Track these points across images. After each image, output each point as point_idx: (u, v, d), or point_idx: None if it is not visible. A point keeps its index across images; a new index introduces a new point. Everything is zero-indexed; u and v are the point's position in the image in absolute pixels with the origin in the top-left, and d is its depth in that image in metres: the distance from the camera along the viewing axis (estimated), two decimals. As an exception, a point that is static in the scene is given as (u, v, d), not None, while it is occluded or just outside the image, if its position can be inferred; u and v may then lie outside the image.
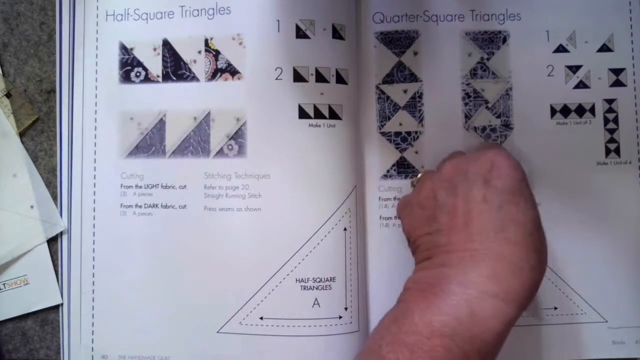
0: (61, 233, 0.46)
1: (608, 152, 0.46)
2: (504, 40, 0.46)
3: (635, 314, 0.45)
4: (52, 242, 0.46)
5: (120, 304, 0.45)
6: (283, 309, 0.43)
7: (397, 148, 0.46)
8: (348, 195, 0.44)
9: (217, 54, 0.45)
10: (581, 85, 0.46)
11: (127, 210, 0.45)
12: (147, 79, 0.46)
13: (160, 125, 0.45)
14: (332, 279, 0.44)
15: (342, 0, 0.45)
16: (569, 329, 0.45)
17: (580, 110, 0.46)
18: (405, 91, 0.46)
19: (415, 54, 0.46)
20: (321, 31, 0.44)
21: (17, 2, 0.47)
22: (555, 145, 0.45)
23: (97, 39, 0.46)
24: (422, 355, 0.32)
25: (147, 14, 0.46)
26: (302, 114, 0.44)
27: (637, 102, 0.46)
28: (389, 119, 0.46)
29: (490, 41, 0.46)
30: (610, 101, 0.46)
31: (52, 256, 0.46)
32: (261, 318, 0.44)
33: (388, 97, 0.46)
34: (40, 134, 0.46)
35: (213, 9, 0.45)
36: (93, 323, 0.45)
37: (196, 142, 0.45)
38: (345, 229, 0.44)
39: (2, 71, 0.46)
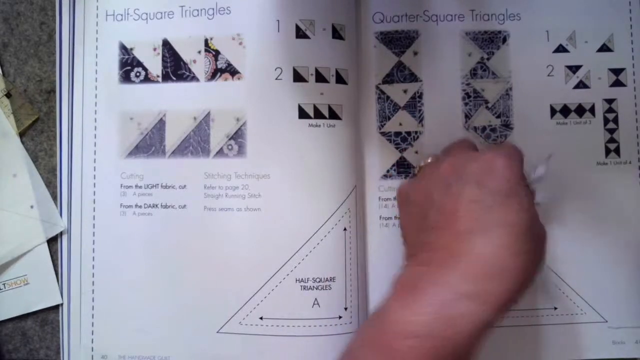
0: (61, 233, 0.46)
1: (608, 152, 0.46)
2: (504, 40, 0.46)
3: (635, 314, 0.45)
4: (52, 242, 0.46)
5: (120, 303, 0.45)
6: (283, 309, 0.43)
7: (397, 148, 0.46)
8: (348, 196, 0.44)
9: (217, 54, 0.45)
10: (581, 85, 0.46)
11: (127, 210, 0.45)
12: (147, 79, 0.46)
13: (160, 125, 0.45)
14: (332, 279, 0.44)
15: (342, 0, 0.45)
16: (569, 329, 0.45)
17: (580, 110, 0.46)
18: (405, 91, 0.46)
19: (415, 54, 0.46)
20: (321, 31, 0.44)
21: (17, 2, 0.47)
22: (555, 145, 0.45)
23: (97, 38, 0.46)
24: (395, 356, 0.32)
25: (147, 14, 0.46)
26: (302, 114, 0.44)
27: (637, 102, 0.46)
28: (389, 119, 0.46)
29: (490, 41, 0.46)
30: (610, 101, 0.46)
31: (52, 256, 0.45)
32: (261, 318, 0.44)
33: (388, 97, 0.46)
34: (40, 134, 0.46)
35: (213, 9, 0.45)
36: (93, 323, 0.45)
37: (196, 142, 0.45)
38: (345, 229, 0.44)
39: (2, 71, 0.46)
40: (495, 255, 0.33)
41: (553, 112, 0.46)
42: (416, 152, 0.46)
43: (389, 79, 0.46)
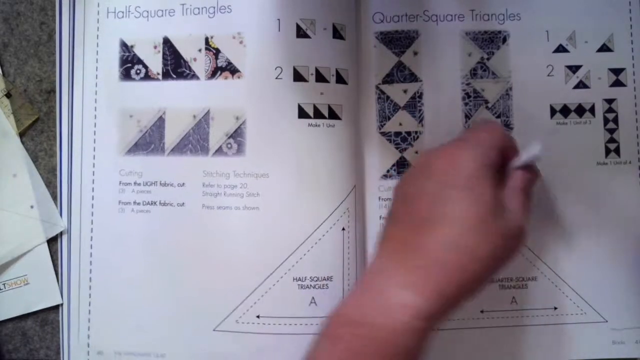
0: (61, 233, 0.46)
1: (608, 152, 0.45)
2: (504, 40, 0.46)
3: (635, 314, 0.45)
4: (52, 242, 0.46)
5: (117, 301, 0.45)
6: (280, 308, 0.43)
7: (397, 148, 0.46)
8: (347, 196, 0.44)
9: (217, 52, 0.45)
10: (581, 85, 0.46)
11: (125, 207, 0.45)
12: (147, 77, 0.46)
13: (159, 123, 0.45)
14: (330, 278, 0.43)
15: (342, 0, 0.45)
16: (569, 329, 0.45)
17: (580, 110, 0.46)
18: (405, 91, 0.46)
19: (415, 53, 0.46)
20: (321, 31, 0.44)
21: (17, 2, 0.47)
22: (555, 145, 0.45)
23: (97, 36, 0.46)
24: (338, 343, 0.33)
25: (148, 11, 0.46)
26: (302, 114, 0.44)
27: (637, 102, 0.46)
28: (389, 119, 0.46)
29: (490, 41, 0.46)
30: (610, 101, 0.46)
31: (52, 256, 0.45)
32: (258, 316, 0.43)
33: (388, 97, 0.46)
34: (40, 134, 0.46)
35: (214, 8, 0.45)
36: (89, 319, 0.45)
37: (195, 140, 0.45)
38: (343, 229, 0.44)
39: (2, 71, 0.46)
40: (437, 249, 0.33)
41: (553, 112, 0.46)
42: (416, 152, 0.46)
43: (389, 79, 0.46)
